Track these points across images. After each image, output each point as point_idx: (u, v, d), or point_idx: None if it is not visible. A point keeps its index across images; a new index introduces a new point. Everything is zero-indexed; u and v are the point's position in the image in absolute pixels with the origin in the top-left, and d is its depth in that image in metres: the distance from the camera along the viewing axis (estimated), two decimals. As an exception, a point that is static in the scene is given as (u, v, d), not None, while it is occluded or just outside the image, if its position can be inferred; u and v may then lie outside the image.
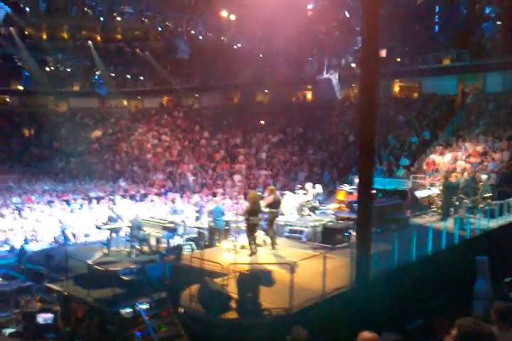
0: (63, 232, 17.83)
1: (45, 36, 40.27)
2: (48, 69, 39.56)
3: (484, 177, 16.73)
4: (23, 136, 39.69)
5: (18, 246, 16.18)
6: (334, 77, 25.03)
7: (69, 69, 40.48)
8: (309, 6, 28.04)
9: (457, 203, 15.41)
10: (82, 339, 10.19)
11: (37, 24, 37.76)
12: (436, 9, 29.65)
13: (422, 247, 11.35)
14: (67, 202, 23.96)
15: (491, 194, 16.23)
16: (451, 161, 22.00)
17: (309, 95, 36.38)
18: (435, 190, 16.82)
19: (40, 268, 13.98)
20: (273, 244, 12.15)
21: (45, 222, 19.60)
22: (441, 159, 22.53)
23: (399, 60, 30.28)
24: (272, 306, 8.52)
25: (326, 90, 26.87)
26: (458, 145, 23.27)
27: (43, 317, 10.89)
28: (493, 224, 14.70)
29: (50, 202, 23.91)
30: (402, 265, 10.65)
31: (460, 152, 22.54)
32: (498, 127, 23.43)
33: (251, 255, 11.52)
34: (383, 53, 25.38)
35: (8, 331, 11.21)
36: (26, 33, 37.74)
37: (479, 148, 22.26)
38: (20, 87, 39.40)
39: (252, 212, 11.61)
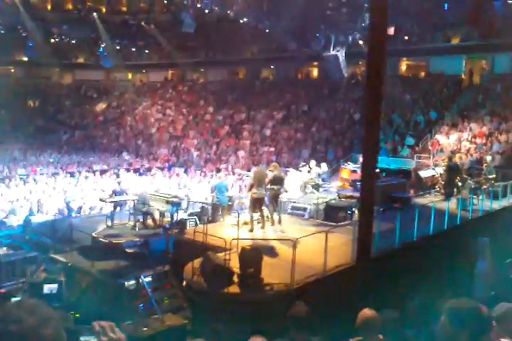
0: (67, 204, 17.97)
1: (49, 7, 39.82)
2: (52, 40, 39.20)
3: (489, 158, 16.70)
4: (27, 107, 39.53)
5: (23, 217, 16.33)
6: (341, 54, 24.77)
7: (74, 41, 40.13)
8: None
9: (460, 184, 15.41)
10: (85, 310, 10.34)
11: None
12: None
13: (424, 227, 11.41)
14: (72, 174, 24.07)
15: (494, 175, 16.21)
16: (456, 142, 21.93)
17: (315, 72, 36.06)
18: (439, 170, 16.80)
19: (44, 239, 14.13)
20: (273, 220, 12.16)
21: (50, 194, 19.73)
22: (446, 139, 22.45)
23: (406, 37, 29.88)
24: (273, 281, 8.63)
25: (332, 67, 26.66)
26: (463, 125, 23.16)
27: (48, 287, 11.04)
28: (496, 205, 14.74)
29: (54, 174, 24.00)
30: (403, 244, 10.73)
31: (465, 132, 22.45)
32: (504, 108, 23.28)
33: (253, 231, 11.59)
34: (391, 31, 25.01)
35: (14, 300, 11.36)
36: (31, 2, 37.24)
37: (485, 129, 22.15)
38: (25, 58, 39.06)
39: (256, 186, 11.65)
